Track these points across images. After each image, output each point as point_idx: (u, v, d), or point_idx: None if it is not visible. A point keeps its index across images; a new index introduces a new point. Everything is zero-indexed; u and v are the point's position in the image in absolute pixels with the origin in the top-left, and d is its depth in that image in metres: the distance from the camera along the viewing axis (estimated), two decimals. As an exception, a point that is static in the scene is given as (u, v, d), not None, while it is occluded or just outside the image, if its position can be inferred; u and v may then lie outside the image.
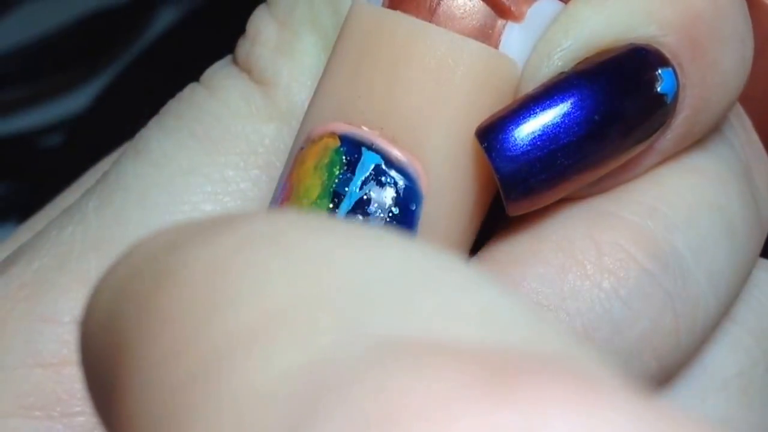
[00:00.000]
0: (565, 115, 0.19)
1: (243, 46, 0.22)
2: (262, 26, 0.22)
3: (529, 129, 0.19)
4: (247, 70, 0.22)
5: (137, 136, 0.22)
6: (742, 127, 0.23)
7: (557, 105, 0.19)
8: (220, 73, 0.22)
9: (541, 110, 0.19)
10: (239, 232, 0.12)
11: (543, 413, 0.09)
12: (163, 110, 0.23)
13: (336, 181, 0.19)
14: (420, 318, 0.11)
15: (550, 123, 0.19)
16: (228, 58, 0.23)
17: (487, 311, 0.11)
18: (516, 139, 0.19)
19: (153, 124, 0.22)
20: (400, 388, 0.10)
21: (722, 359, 0.22)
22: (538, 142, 0.19)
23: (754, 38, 0.22)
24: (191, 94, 0.22)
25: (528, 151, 0.19)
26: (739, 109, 0.24)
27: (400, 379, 0.10)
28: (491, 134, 0.19)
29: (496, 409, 0.09)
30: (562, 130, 0.19)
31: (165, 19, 0.61)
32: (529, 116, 0.19)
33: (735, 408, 0.22)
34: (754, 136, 0.24)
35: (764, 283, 0.23)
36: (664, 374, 0.21)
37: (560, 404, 0.09)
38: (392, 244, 0.12)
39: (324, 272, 0.12)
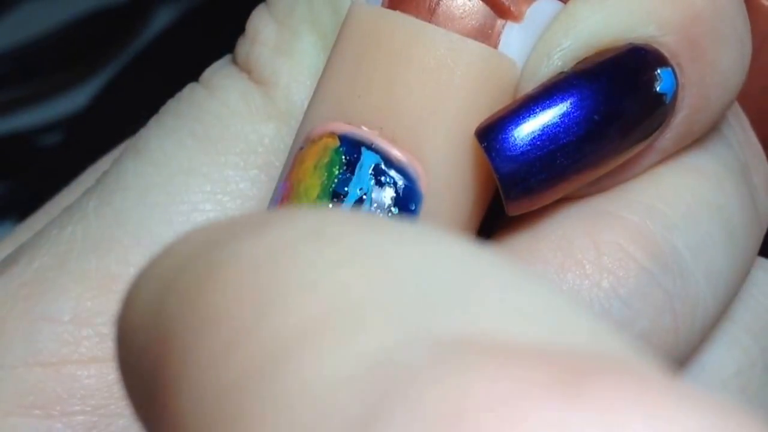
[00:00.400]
0: (565, 114, 0.19)
1: (242, 46, 0.22)
2: (261, 26, 0.22)
3: (528, 129, 0.19)
4: (247, 70, 0.22)
5: (137, 135, 0.22)
6: (740, 126, 0.23)
7: (557, 105, 0.19)
8: (219, 72, 0.22)
9: (540, 110, 0.19)
10: (287, 228, 0.12)
11: (619, 414, 0.09)
12: (163, 110, 0.23)
13: (335, 180, 0.19)
14: (480, 316, 0.11)
15: (549, 123, 0.19)
16: (227, 57, 0.23)
17: (546, 310, 0.11)
18: (515, 139, 0.19)
19: (152, 123, 0.22)
20: (466, 386, 0.10)
21: (721, 358, 0.22)
22: (538, 142, 0.19)
23: (752, 37, 0.22)
24: (191, 93, 0.22)
25: (527, 150, 0.19)
26: (737, 108, 0.24)
27: (465, 377, 0.10)
28: (491, 134, 0.19)
29: (568, 407, 0.09)
30: (561, 129, 0.19)
31: (164, 18, 0.61)
32: (529, 116, 0.19)
33: None
34: (752, 136, 0.24)
35: (762, 282, 0.24)
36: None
37: (635, 405, 0.09)
38: (442, 241, 0.12)
39: (377, 270, 0.11)
